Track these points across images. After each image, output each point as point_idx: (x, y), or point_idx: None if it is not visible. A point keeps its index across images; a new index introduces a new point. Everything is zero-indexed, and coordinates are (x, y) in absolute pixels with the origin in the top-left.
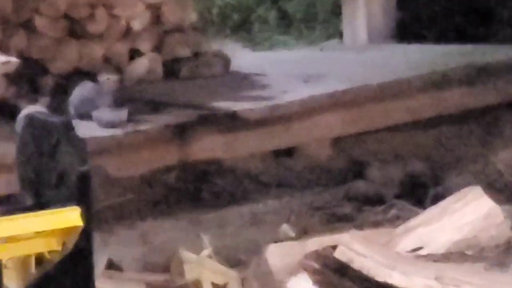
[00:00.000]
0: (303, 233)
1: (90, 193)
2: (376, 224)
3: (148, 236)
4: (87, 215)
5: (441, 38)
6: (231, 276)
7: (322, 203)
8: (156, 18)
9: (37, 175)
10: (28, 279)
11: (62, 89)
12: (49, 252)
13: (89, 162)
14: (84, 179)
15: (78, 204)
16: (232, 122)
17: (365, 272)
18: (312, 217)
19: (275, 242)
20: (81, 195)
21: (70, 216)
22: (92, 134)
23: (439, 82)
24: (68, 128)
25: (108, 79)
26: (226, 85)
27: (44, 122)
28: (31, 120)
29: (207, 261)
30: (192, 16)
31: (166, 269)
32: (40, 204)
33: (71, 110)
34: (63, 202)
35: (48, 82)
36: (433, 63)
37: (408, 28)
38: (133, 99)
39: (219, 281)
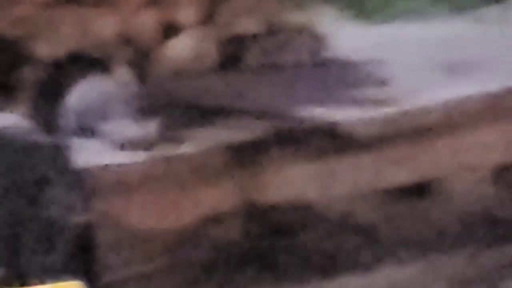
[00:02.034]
0: None
1: (95, 258)
2: None
3: None
4: None
5: None
6: None
7: (479, 273)
8: None
9: (10, 229)
10: None
11: (52, 87)
12: None
13: (95, 207)
14: (86, 235)
15: (76, 275)
16: (328, 142)
17: None
18: None
19: None
20: (81, 261)
21: None
22: (101, 160)
23: None
24: (61, 153)
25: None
26: (318, 81)
27: (21, 144)
28: (0, 139)
29: None
30: None
31: None
32: (16, 276)
33: (68, 121)
34: (52, 272)
35: (29, 75)
36: None
37: None
38: (168, 102)
39: None
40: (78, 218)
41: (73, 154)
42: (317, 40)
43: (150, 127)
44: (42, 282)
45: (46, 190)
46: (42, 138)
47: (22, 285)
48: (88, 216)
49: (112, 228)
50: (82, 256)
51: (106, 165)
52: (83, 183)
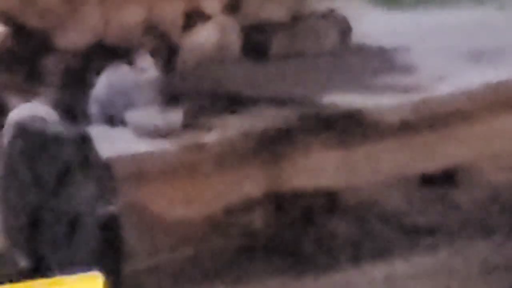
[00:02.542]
0: None
1: (119, 249)
2: None
3: None
4: (116, 285)
5: None
6: None
7: (505, 260)
8: None
9: (33, 220)
10: None
11: (77, 76)
12: None
13: (121, 196)
14: (111, 226)
15: (100, 267)
16: (354, 128)
17: None
18: (489, 283)
19: None
20: (105, 252)
21: None
22: (127, 149)
23: None
24: (85, 143)
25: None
26: (344, 67)
27: (45, 134)
28: (23, 130)
29: None
30: None
31: None
32: (39, 267)
33: (94, 110)
34: (76, 263)
35: (54, 64)
36: None
37: None
38: (193, 91)
39: None
40: (104, 208)
41: (99, 143)
42: (343, 27)
43: (176, 116)
44: (65, 274)
45: (71, 181)
46: (67, 128)
47: (45, 277)
48: (113, 205)
49: (138, 217)
50: (108, 245)
51: (132, 154)
52: (108, 172)
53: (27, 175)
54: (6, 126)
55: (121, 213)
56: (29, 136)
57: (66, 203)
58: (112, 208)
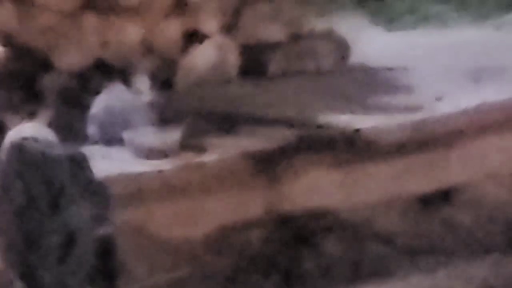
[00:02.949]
0: None
1: (116, 270)
2: None
3: None
4: None
5: None
6: None
7: (502, 281)
8: None
9: (28, 241)
10: None
11: (75, 96)
12: None
13: (117, 217)
14: (107, 247)
15: (96, 287)
16: (352, 149)
17: None
18: None
19: None
20: (101, 273)
21: None
22: (124, 169)
23: None
24: (82, 164)
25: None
26: (342, 87)
27: (41, 155)
28: (19, 151)
29: None
30: None
31: None
32: None
33: (91, 130)
34: (71, 285)
35: (52, 84)
36: None
37: None
38: (190, 111)
39: None
40: (100, 229)
41: (96, 163)
42: (341, 46)
43: (173, 136)
44: None
45: (66, 201)
46: (62, 149)
47: None
48: (110, 226)
49: (134, 238)
50: (104, 266)
51: (129, 174)
52: (105, 192)
53: (22, 195)
54: (2, 146)
55: (118, 234)
56: (26, 157)
57: (61, 224)
58: (108, 229)
